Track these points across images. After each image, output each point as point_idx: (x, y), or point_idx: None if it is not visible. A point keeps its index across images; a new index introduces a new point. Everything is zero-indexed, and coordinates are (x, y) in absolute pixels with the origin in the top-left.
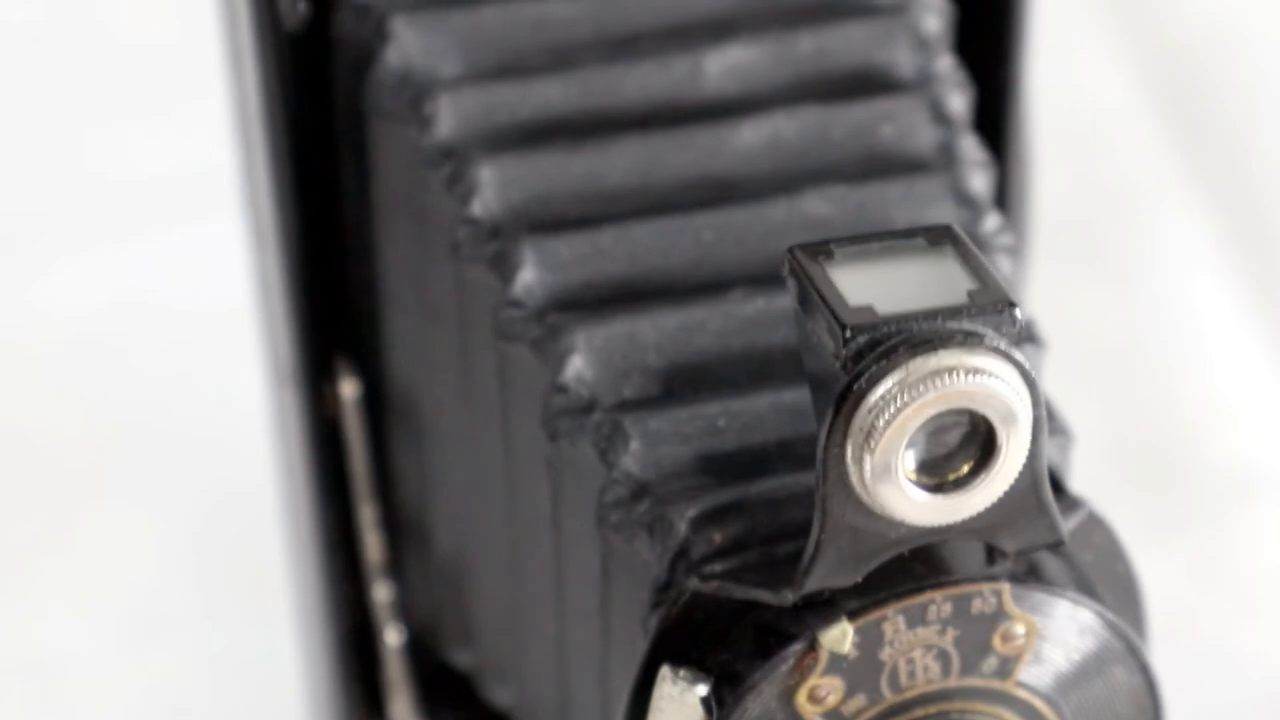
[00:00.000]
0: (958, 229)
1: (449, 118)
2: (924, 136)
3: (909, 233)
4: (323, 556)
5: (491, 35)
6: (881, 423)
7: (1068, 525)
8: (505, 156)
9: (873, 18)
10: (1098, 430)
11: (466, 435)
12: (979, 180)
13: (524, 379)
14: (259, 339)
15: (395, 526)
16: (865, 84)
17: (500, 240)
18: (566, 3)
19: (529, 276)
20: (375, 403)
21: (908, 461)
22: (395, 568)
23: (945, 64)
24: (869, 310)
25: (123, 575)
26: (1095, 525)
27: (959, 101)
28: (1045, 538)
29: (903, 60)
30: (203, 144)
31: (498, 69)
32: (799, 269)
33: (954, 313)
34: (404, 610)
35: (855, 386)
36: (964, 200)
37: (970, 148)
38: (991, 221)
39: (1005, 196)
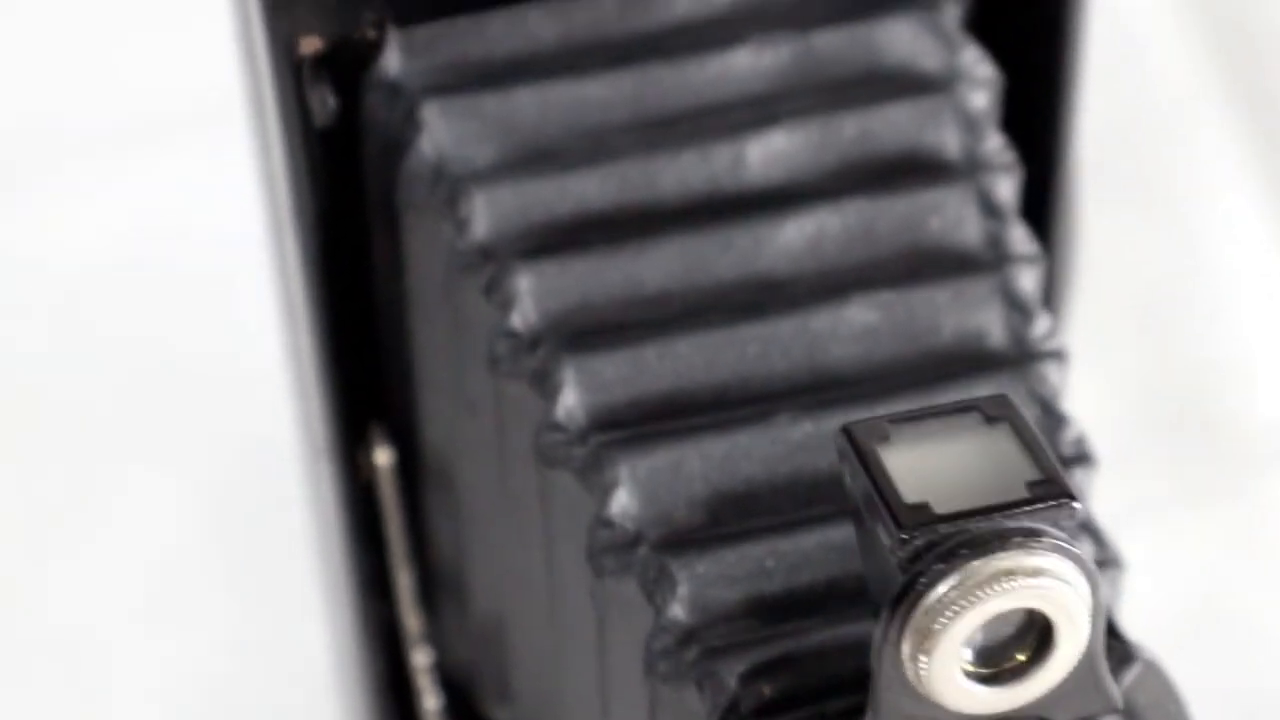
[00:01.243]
0: (1014, 404)
1: (485, 218)
2: (972, 229)
3: (965, 407)
4: (358, 618)
5: (527, 119)
6: (939, 625)
7: (1125, 680)
8: (543, 263)
9: (919, 97)
10: (1132, 386)
11: (505, 524)
12: (1028, 278)
13: (565, 499)
14: (290, 396)
15: (430, 579)
16: (912, 168)
17: (540, 356)
18: (603, 84)
19: (570, 399)
20: (409, 462)
21: (964, 653)
22: (429, 611)
23: (994, 144)
24: (926, 509)
25: (147, 546)
26: (1151, 672)
27: (1007, 188)
28: (1101, 707)
29: (950, 141)
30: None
31: (534, 156)
32: (855, 455)
33: (1013, 509)
34: (439, 650)
35: (913, 588)
36: (1013, 302)
37: (1020, 240)
38: (1041, 325)
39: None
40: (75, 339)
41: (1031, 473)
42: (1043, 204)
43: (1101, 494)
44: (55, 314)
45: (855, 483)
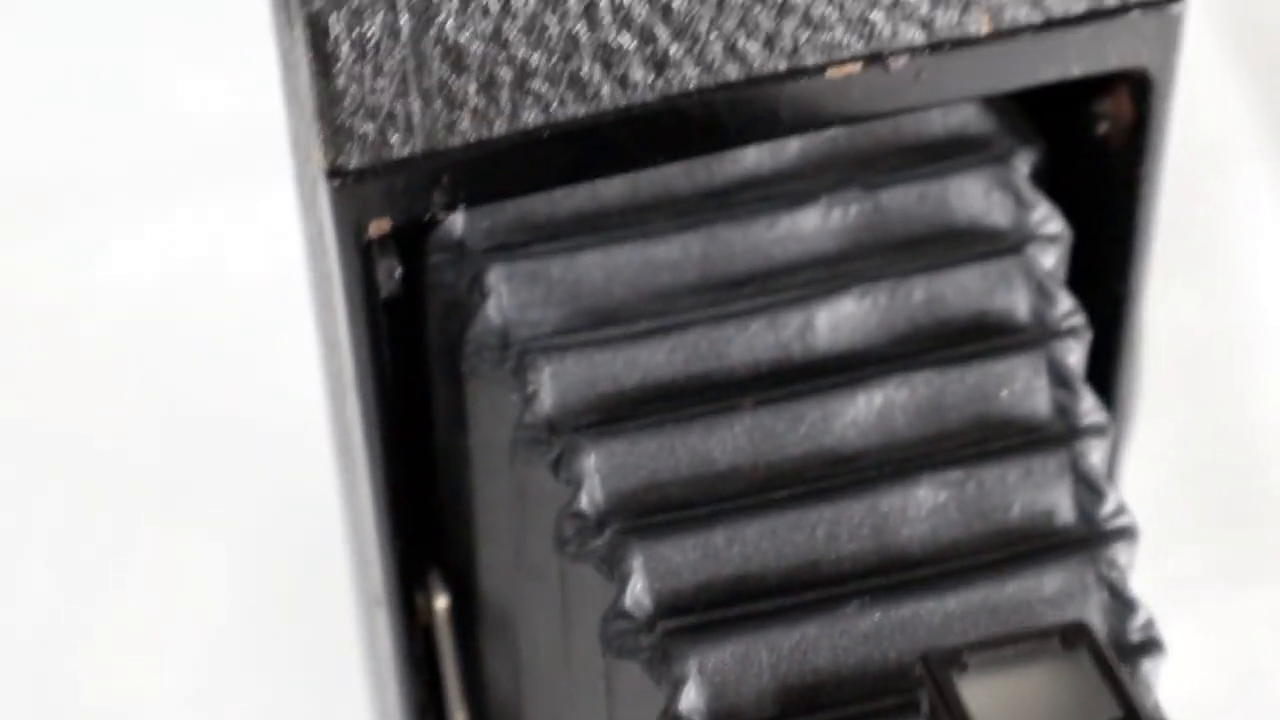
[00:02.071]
0: (1092, 631)
1: (551, 390)
2: (1042, 400)
3: (1044, 633)
4: None
5: (593, 283)
6: None
7: None
8: (611, 441)
9: (988, 260)
10: (1173, 453)
11: (567, 686)
12: (1097, 452)
13: (632, 686)
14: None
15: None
16: (981, 333)
17: (608, 540)
18: (670, 245)
19: (638, 586)
20: (466, 602)
21: None
22: None
23: (1064, 307)
24: None
25: (189, 612)
26: None
27: (1077, 354)
28: None
29: (1020, 305)
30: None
31: (600, 320)
32: (931, 685)
33: None
34: None
35: None
36: (1082, 478)
37: (1089, 411)
38: (1110, 503)
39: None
40: (118, 391)
41: (1113, 708)
42: (1109, 361)
43: (1142, 569)
44: (98, 362)
45: (933, 714)
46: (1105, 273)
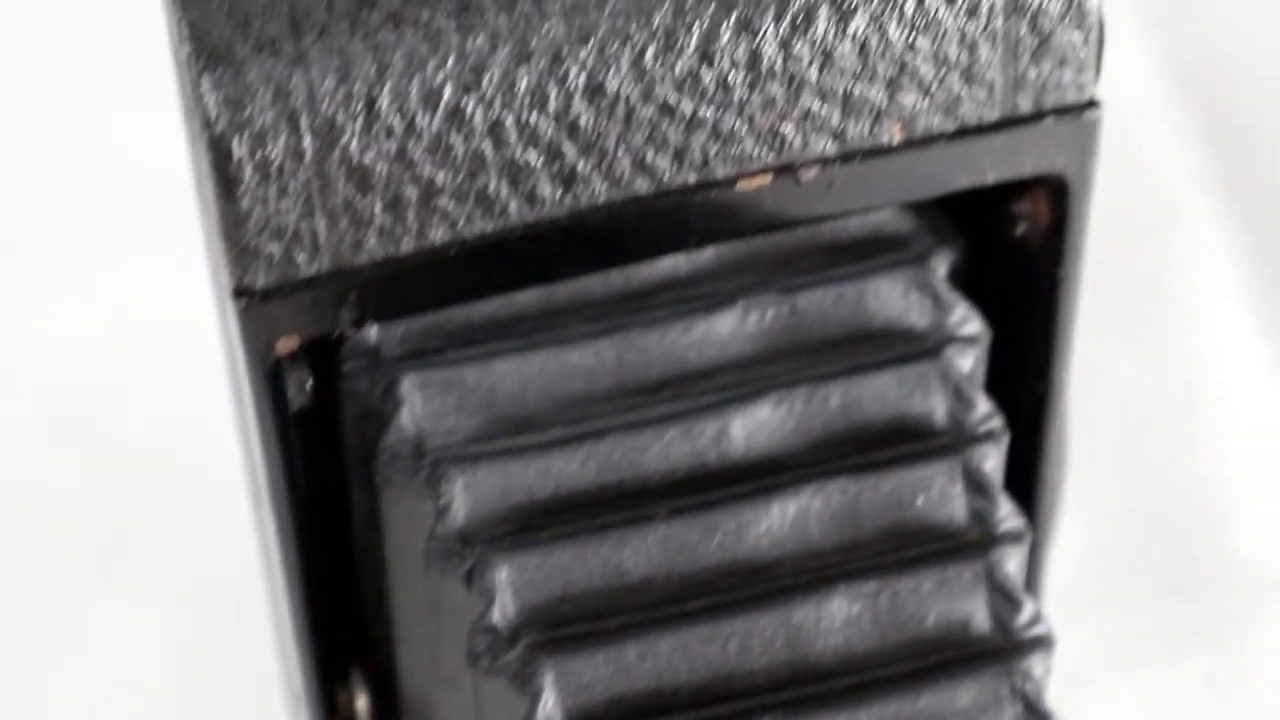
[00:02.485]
0: None
1: (464, 502)
2: (958, 507)
3: None
4: None
5: (507, 390)
6: None
7: None
8: (524, 554)
9: (904, 364)
10: (1114, 517)
11: None
12: (1013, 560)
13: None
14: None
15: None
16: (898, 438)
17: (520, 654)
18: (585, 351)
19: (550, 702)
20: (386, 703)
21: None
22: None
23: (981, 411)
24: None
25: (130, 681)
26: None
27: (994, 459)
28: None
29: (937, 408)
30: None
31: (515, 427)
32: None
33: None
34: None
35: None
36: (998, 587)
37: (1006, 517)
38: (1026, 613)
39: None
40: (59, 451)
41: None
42: (1031, 460)
43: (1082, 636)
44: (37, 421)
45: None
46: (1026, 370)
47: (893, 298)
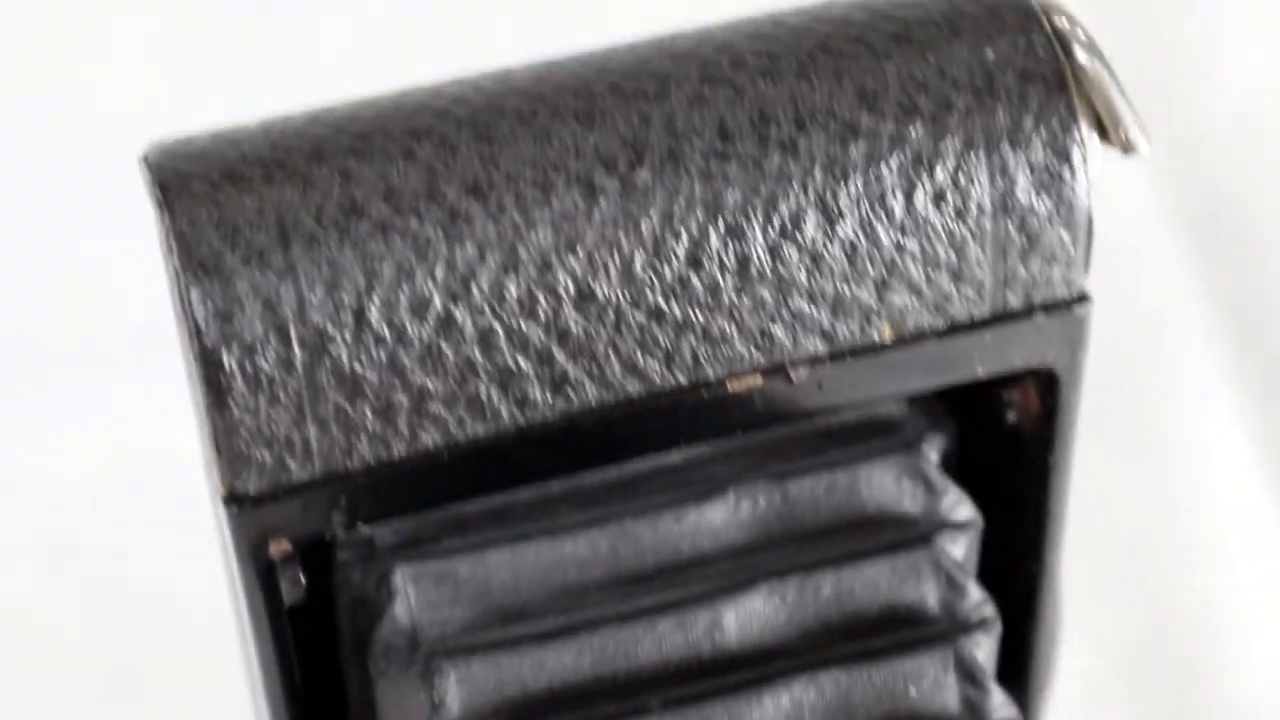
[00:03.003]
0: None
1: (459, 695)
2: (950, 697)
3: None
4: None
5: (501, 583)
6: None
7: None
8: None
9: (896, 552)
10: (1109, 637)
11: None
12: None
13: None
14: None
15: None
16: (891, 626)
17: None
18: (578, 542)
19: None
20: None
21: None
22: None
23: (973, 599)
24: None
25: None
26: None
27: (986, 648)
28: None
29: (929, 596)
30: None
31: (509, 619)
32: None
33: None
34: None
35: None
36: None
37: (998, 706)
38: None
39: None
40: (56, 583)
41: None
42: (1023, 639)
43: None
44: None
45: None
46: (1019, 549)
47: (885, 484)
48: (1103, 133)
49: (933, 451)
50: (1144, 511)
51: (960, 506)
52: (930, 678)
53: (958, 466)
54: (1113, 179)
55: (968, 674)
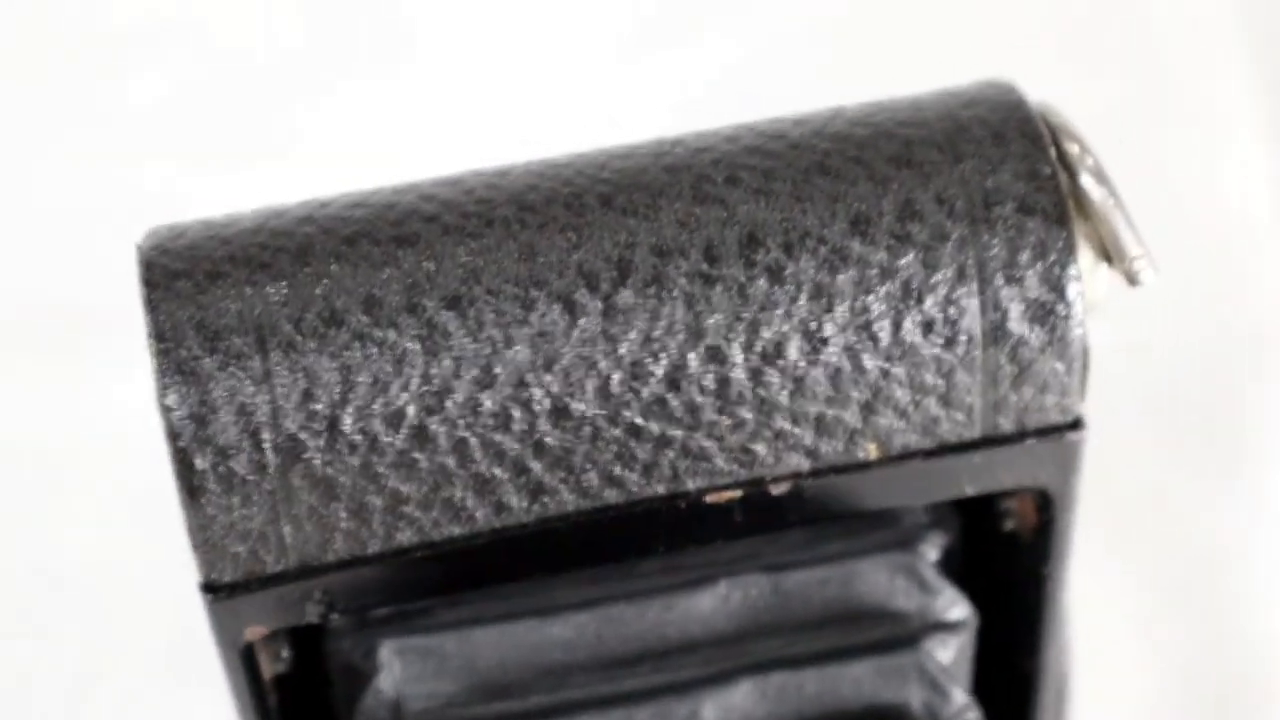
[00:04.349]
0: None
1: None
2: None
3: None
4: None
5: (487, 661)
6: None
7: None
8: None
9: (883, 654)
10: (1176, 665)
11: None
12: None
13: None
14: None
15: None
16: None
17: None
18: (565, 625)
19: None
20: None
21: None
22: None
23: (957, 704)
24: None
25: None
26: None
27: None
28: None
29: (914, 699)
30: None
31: (493, 697)
32: None
33: None
34: None
35: None
36: None
37: None
38: None
39: None
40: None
41: None
42: None
43: None
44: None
45: None
46: (1017, 648)
47: (879, 581)
48: (1110, 260)
49: (931, 550)
50: (1224, 532)
51: (955, 606)
52: None
53: (962, 561)
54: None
55: None
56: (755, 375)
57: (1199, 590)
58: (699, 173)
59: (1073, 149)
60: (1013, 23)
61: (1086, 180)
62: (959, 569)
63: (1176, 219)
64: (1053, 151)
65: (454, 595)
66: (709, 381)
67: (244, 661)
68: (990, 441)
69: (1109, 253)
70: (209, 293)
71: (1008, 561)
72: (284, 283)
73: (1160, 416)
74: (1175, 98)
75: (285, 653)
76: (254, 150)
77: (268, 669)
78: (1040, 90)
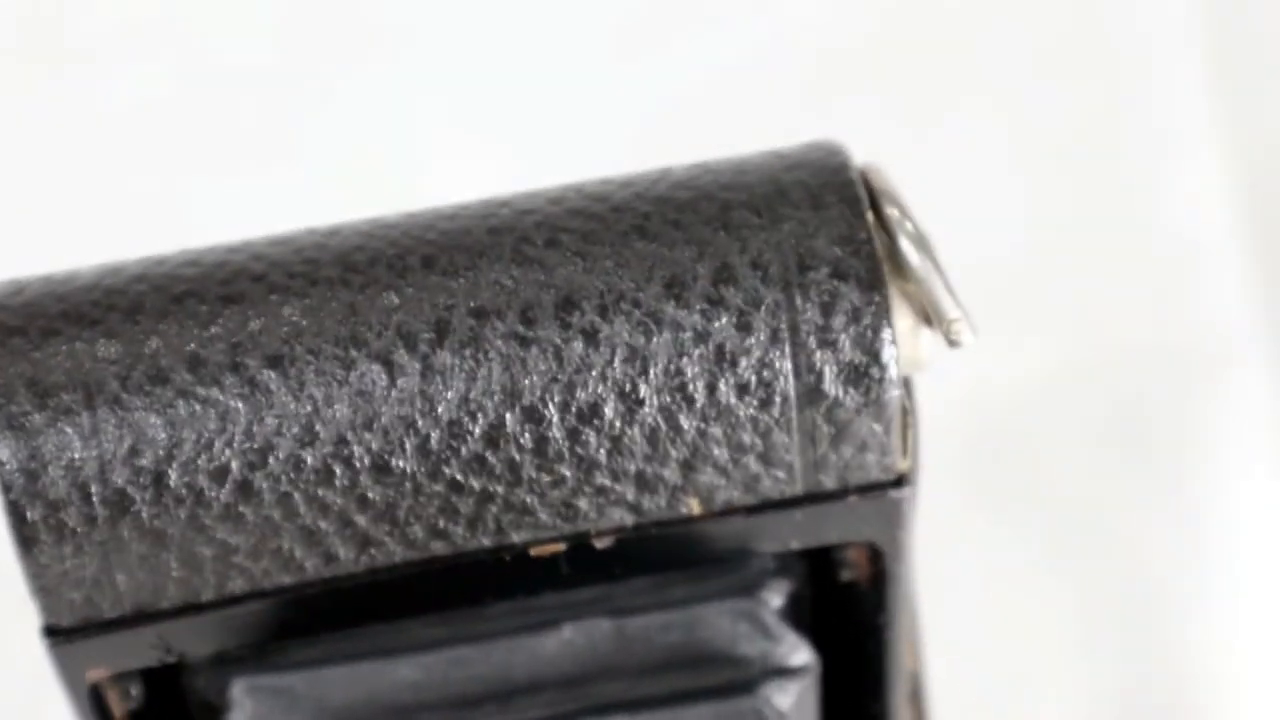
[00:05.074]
0: None
1: None
2: None
3: None
4: None
5: (335, 700)
6: None
7: None
8: None
9: (720, 699)
10: (1108, 690)
11: None
12: None
13: None
14: None
15: None
16: None
17: None
18: (413, 666)
19: None
20: None
21: None
22: None
23: None
24: None
25: None
26: None
27: None
28: None
29: None
30: None
31: None
32: None
33: None
34: None
35: None
36: None
37: None
38: None
39: None
40: None
41: None
42: None
43: None
44: None
45: None
46: (863, 691)
47: (721, 627)
48: (929, 322)
49: (775, 596)
50: (1162, 557)
51: (796, 652)
52: None
53: (809, 608)
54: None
55: None
56: (573, 435)
57: (1135, 605)
58: (521, 235)
59: (893, 213)
60: (981, 37)
61: (905, 244)
62: (805, 615)
63: (1121, 235)
64: (870, 216)
65: (303, 637)
66: (526, 440)
67: (91, 701)
68: (813, 498)
69: (928, 315)
70: (42, 349)
71: (848, 610)
72: (114, 340)
73: (1101, 431)
74: (1129, 112)
75: (135, 690)
76: (251, 152)
77: (118, 707)
78: (1002, 102)
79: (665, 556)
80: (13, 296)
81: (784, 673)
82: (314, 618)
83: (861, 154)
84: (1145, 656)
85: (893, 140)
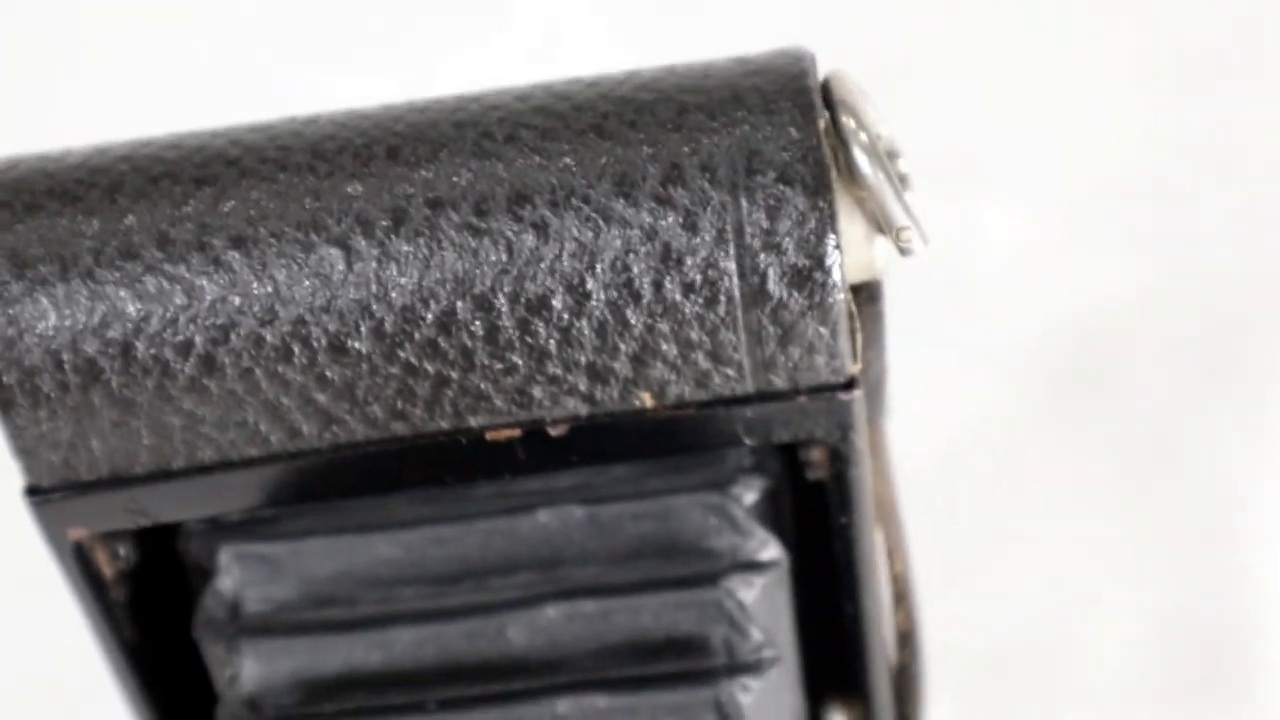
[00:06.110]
0: None
1: (253, 673)
2: None
3: None
4: None
5: (318, 571)
6: None
7: None
8: None
9: (684, 589)
10: (1154, 613)
11: None
12: None
13: None
14: None
15: None
16: (667, 657)
17: None
18: (393, 542)
19: None
20: None
21: None
22: None
23: (753, 641)
24: None
25: None
26: None
27: (755, 692)
28: None
29: (713, 635)
30: None
31: (320, 605)
32: None
33: None
34: None
35: None
36: None
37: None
38: None
39: None
40: None
41: None
42: (856, 675)
43: None
44: None
45: None
46: (839, 593)
47: (693, 518)
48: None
49: (748, 492)
50: (1230, 480)
51: (765, 548)
52: (687, 714)
53: (787, 505)
54: None
55: (724, 717)
56: (522, 325)
57: (1199, 536)
58: (483, 129)
59: (848, 121)
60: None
61: (857, 153)
62: (783, 514)
63: (1230, 163)
64: (823, 123)
65: (275, 508)
66: (478, 328)
67: (76, 560)
68: (764, 397)
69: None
70: (25, 222)
71: (815, 511)
72: (92, 217)
73: (1189, 354)
74: (1249, 45)
75: (124, 551)
76: None
77: (108, 567)
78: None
79: (622, 447)
80: (6, 173)
81: (751, 566)
82: (286, 490)
83: (987, 59)
84: (1217, 579)
85: (1019, 47)
